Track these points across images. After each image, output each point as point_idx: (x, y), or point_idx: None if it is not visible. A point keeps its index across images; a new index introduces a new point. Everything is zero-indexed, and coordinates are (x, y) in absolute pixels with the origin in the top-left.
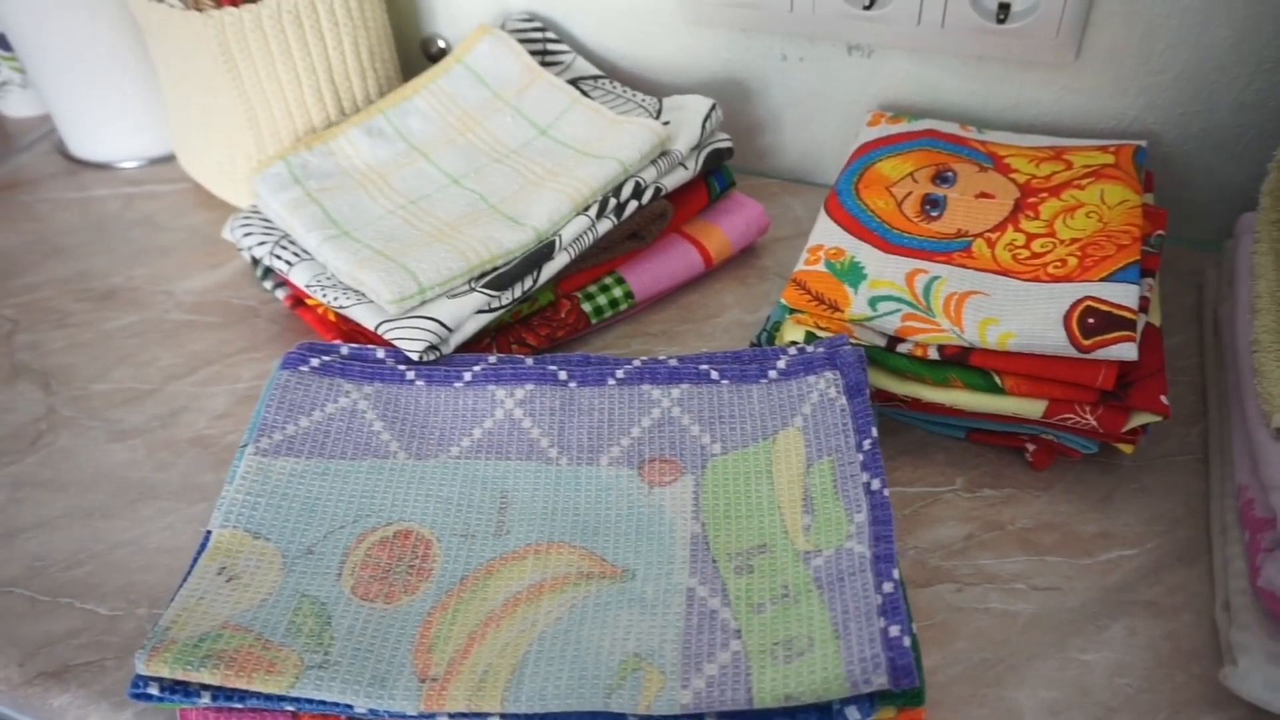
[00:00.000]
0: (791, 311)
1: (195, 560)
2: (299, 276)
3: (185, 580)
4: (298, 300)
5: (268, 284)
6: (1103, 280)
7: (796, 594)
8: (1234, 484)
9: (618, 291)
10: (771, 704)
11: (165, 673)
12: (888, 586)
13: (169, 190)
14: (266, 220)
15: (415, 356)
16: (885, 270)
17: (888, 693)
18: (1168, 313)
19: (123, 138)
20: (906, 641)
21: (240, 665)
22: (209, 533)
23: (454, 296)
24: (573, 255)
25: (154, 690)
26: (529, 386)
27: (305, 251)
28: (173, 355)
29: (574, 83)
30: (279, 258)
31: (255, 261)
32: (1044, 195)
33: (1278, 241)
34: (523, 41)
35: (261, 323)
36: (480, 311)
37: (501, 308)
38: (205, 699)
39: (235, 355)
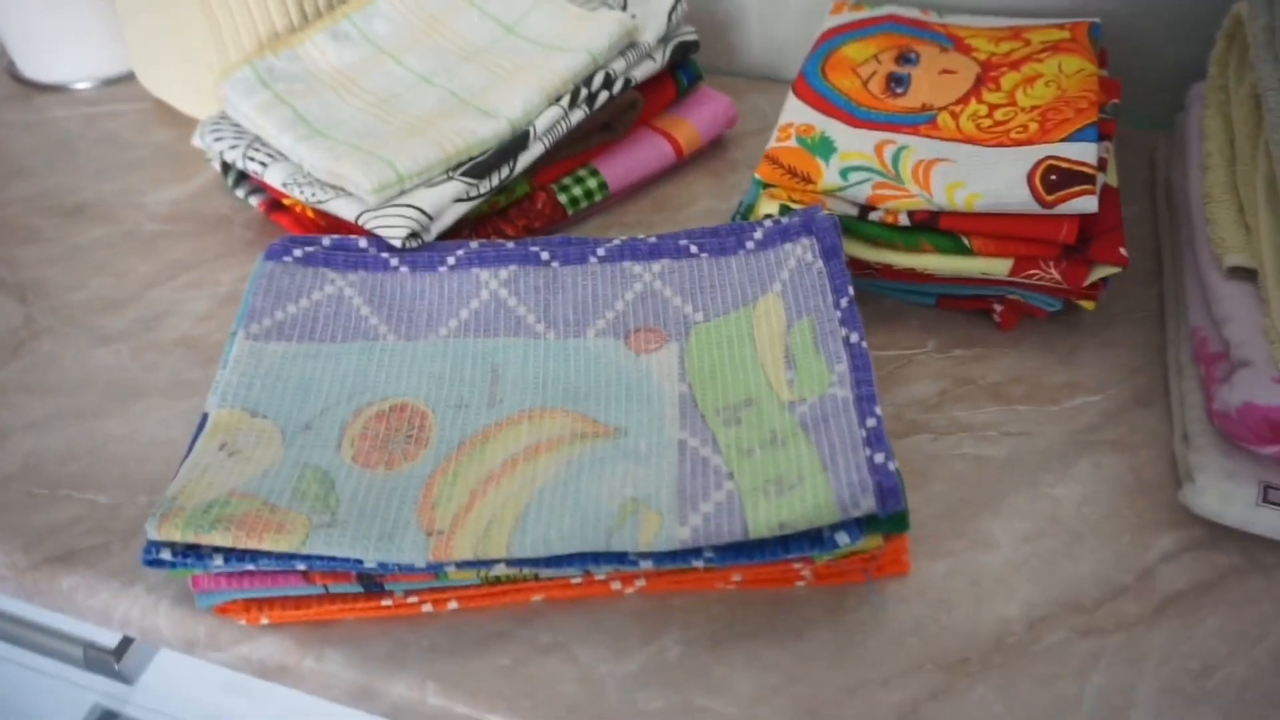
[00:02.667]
0: (765, 186)
1: (194, 441)
2: (274, 177)
3: (186, 458)
4: (273, 204)
5: (240, 192)
6: (1063, 141)
7: (784, 438)
8: (1188, 328)
9: (592, 183)
10: (766, 533)
11: (177, 537)
12: (871, 421)
13: (129, 109)
14: (237, 125)
15: (398, 243)
16: (855, 143)
17: (874, 519)
18: (1123, 188)
19: (76, 59)
20: (891, 467)
21: (250, 527)
22: (205, 415)
23: (433, 185)
24: (547, 145)
25: (166, 555)
26: (512, 267)
27: (279, 152)
28: (150, 264)
29: None
30: (252, 159)
31: (226, 168)
32: (1004, 70)
33: (1225, 105)
34: None
35: (236, 229)
36: (459, 200)
37: (480, 196)
38: (218, 561)
39: (213, 261)
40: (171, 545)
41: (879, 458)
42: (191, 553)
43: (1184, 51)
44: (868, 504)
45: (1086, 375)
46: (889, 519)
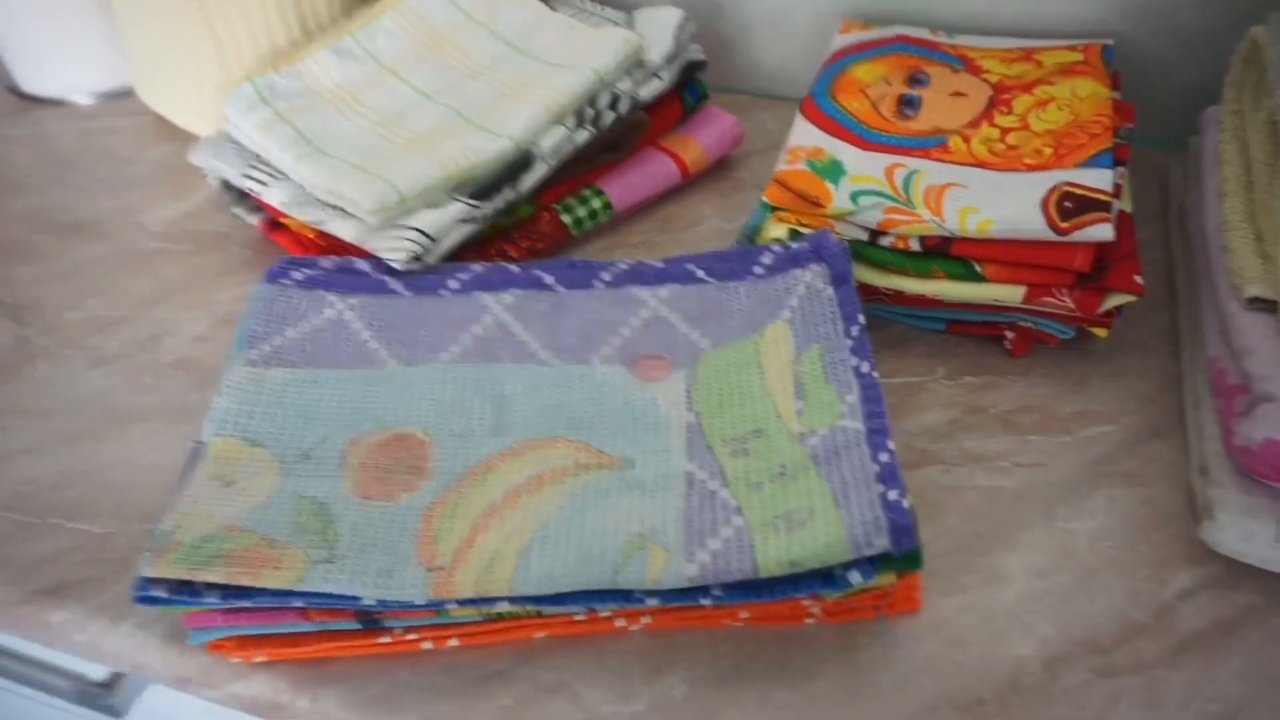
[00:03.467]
0: (773, 210)
1: (189, 470)
2: (274, 196)
3: (182, 489)
4: (272, 224)
5: (239, 210)
6: (1077, 166)
7: (794, 471)
8: (1205, 358)
9: (596, 203)
10: (776, 571)
11: (172, 574)
12: (884, 456)
13: (129, 124)
14: (236, 143)
15: (400, 266)
16: (865, 166)
17: (888, 557)
18: (1135, 211)
19: (75, 72)
20: (905, 504)
21: (247, 562)
22: (200, 443)
23: (435, 207)
24: (551, 165)
25: (160, 593)
26: (516, 292)
27: (279, 172)
28: (146, 283)
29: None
30: (251, 179)
31: (226, 186)
32: (1016, 92)
33: (1241, 130)
34: None
35: (235, 248)
36: (462, 222)
37: (483, 217)
38: (213, 598)
39: (211, 280)
40: (165, 582)
41: (893, 494)
42: (186, 589)
43: (1196, 72)
44: (881, 542)
45: (1099, 404)
46: (902, 557)
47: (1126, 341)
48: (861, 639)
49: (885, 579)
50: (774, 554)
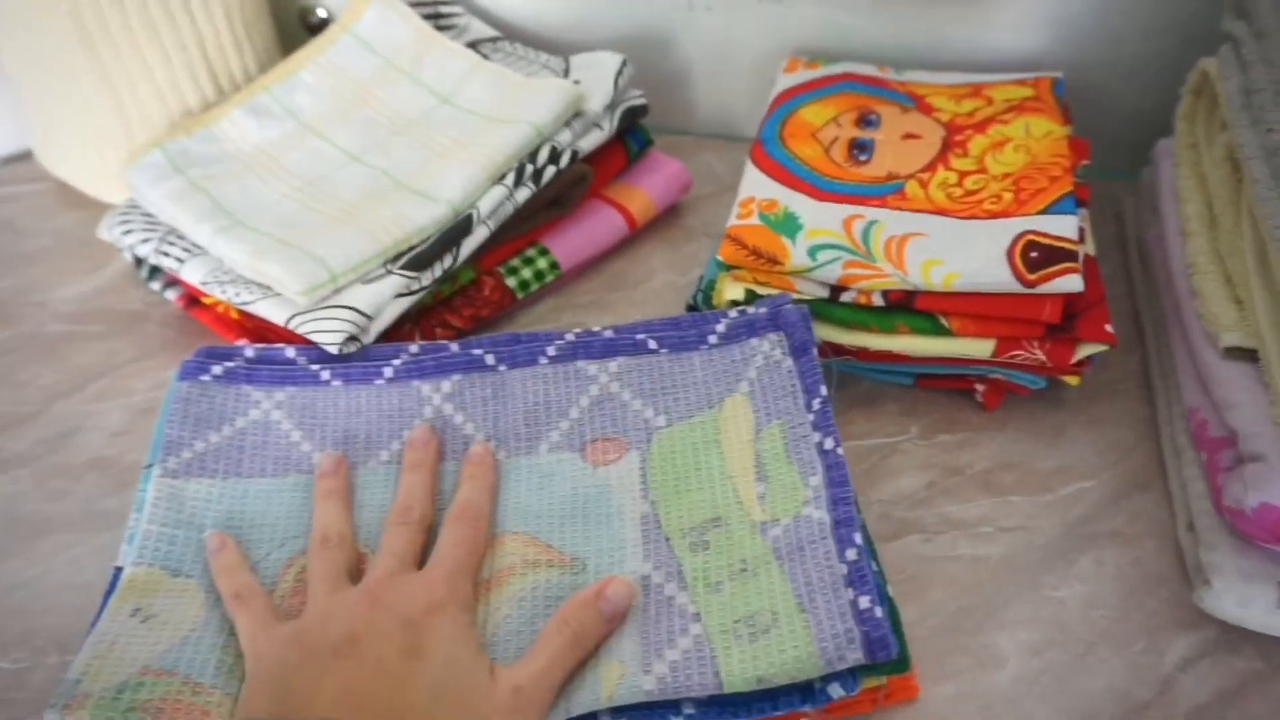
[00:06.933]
0: (728, 268)
1: (105, 600)
2: (192, 274)
3: (95, 624)
4: (192, 300)
5: (155, 285)
6: (1040, 213)
7: (755, 567)
8: (1182, 407)
9: (542, 263)
10: (742, 686)
11: None
12: (851, 553)
13: (28, 191)
14: (148, 215)
15: (335, 349)
16: (821, 218)
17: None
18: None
19: None
20: (879, 612)
21: (169, 716)
22: (119, 569)
23: (369, 281)
24: (492, 228)
25: None
26: (456, 378)
27: (196, 246)
28: (54, 372)
29: (472, 46)
30: (167, 255)
31: (139, 261)
32: (970, 132)
33: (1198, 164)
34: (413, 4)
35: (153, 328)
36: (400, 295)
37: (422, 289)
38: None
39: (127, 366)
40: None
41: (864, 601)
42: None
43: (1144, 101)
44: (854, 656)
45: (1077, 458)
46: (886, 662)
47: (1098, 386)
48: None
49: (871, 682)
50: (739, 668)
